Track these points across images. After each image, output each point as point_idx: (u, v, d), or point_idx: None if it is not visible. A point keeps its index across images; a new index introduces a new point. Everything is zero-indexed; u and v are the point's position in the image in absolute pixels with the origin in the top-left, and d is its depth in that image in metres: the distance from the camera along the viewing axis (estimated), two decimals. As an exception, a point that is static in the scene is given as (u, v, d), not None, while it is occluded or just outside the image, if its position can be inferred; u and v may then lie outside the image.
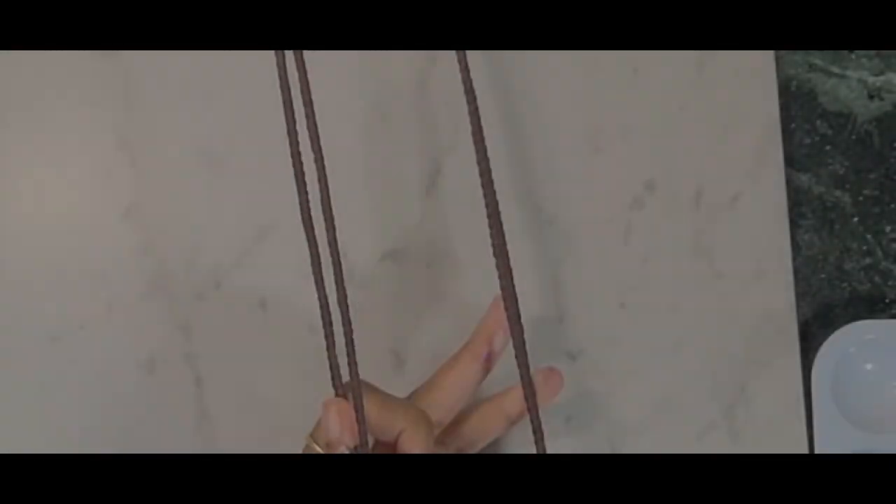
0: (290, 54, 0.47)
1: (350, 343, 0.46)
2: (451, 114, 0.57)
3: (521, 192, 0.57)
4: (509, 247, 0.47)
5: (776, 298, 0.57)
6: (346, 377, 0.47)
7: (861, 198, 0.58)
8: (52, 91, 0.57)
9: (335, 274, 0.46)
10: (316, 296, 0.47)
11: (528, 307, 0.48)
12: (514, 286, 0.47)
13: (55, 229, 0.56)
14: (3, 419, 0.55)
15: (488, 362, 0.50)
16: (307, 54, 0.47)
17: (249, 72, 0.57)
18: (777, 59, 0.58)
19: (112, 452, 0.54)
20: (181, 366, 0.56)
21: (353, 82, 0.57)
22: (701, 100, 0.58)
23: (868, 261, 0.58)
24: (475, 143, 0.47)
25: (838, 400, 0.55)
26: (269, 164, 0.56)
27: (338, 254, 0.46)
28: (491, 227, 0.47)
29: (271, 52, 0.47)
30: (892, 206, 0.58)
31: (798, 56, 0.59)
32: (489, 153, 0.47)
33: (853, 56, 0.59)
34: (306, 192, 0.47)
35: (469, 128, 0.47)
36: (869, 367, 0.56)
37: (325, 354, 0.47)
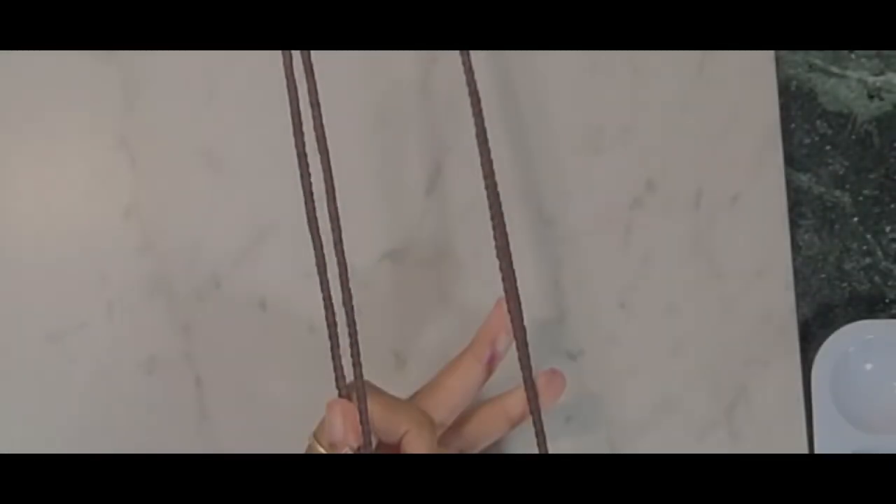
0: (297, 54, 0.47)
1: (354, 343, 0.46)
2: (453, 114, 0.57)
3: (522, 193, 0.57)
4: (510, 247, 0.47)
5: (776, 298, 0.57)
6: (349, 378, 0.47)
7: (861, 198, 0.58)
8: (52, 91, 0.57)
9: (340, 274, 0.46)
10: (316, 296, 0.47)
11: (529, 307, 0.48)
12: (517, 288, 0.47)
13: (55, 229, 0.56)
14: (3, 419, 0.55)
15: (491, 364, 0.50)
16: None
17: (249, 72, 0.57)
18: (777, 59, 0.58)
19: (112, 452, 0.54)
20: (181, 366, 0.56)
21: (353, 82, 0.57)
22: (701, 100, 0.58)
23: (868, 261, 0.58)
24: (479, 143, 0.47)
25: (838, 400, 0.55)
26: (270, 164, 0.56)
27: (343, 254, 0.46)
28: (494, 228, 0.47)
29: (271, 53, 0.47)
30: (892, 206, 0.58)
31: (798, 56, 0.59)
32: (490, 153, 0.47)
33: (853, 56, 0.59)
34: (311, 192, 0.47)
35: (471, 128, 0.47)
36: (869, 367, 0.56)
37: (326, 355, 0.47)
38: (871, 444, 0.54)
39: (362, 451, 0.46)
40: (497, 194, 0.47)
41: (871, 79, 0.59)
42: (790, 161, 0.58)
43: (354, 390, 0.46)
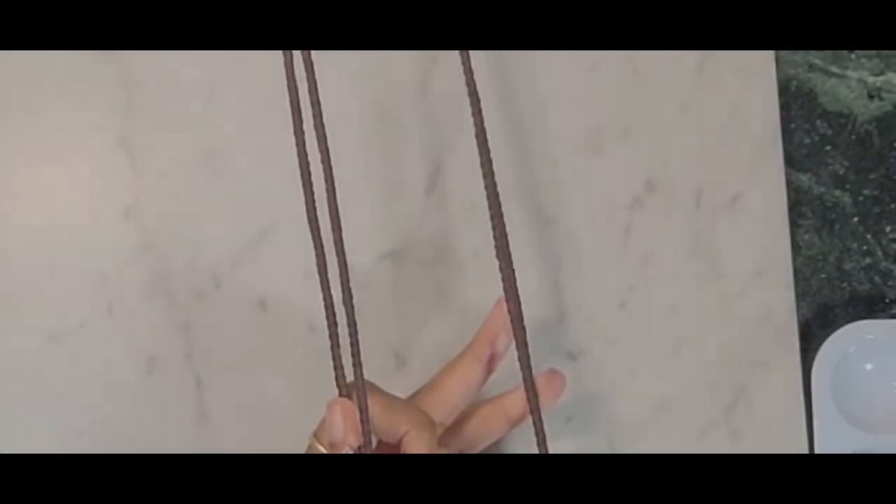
0: (297, 54, 0.47)
1: (354, 343, 0.46)
2: (453, 114, 0.57)
3: (522, 193, 0.57)
4: (509, 247, 0.47)
5: (776, 298, 0.57)
6: (349, 378, 0.47)
7: (861, 198, 0.58)
8: (53, 91, 0.57)
9: (340, 274, 0.46)
10: (316, 296, 0.47)
11: (528, 307, 0.48)
12: (516, 288, 0.47)
13: (55, 229, 0.56)
14: (3, 419, 0.55)
15: (491, 364, 0.50)
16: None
17: (249, 72, 0.57)
18: (777, 59, 0.58)
19: (112, 452, 0.54)
20: (181, 366, 0.56)
21: (353, 82, 0.57)
22: (701, 100, 0.58)
23: (868, 261, 0.58)
24: (479, 143, 0.47)
25: (838, 400, 0.55)
26: (270, 164, 0.56)
27: (343, 254, 0.46)
28: (494, 228, 0.47)
29: (271, 53, 0.47)
30: (892, 206, 0.58)
31: (798, 56, 0.59)
32: (490, 153, 0.47)
33: (853, 56, 0.59)
34: (312, 192, 0.47)
35: (470, 128, 0.47)
36: (869, 367, 0.56)
37: (326, 354, 0.47)
38: (871, 444, 0.54)
39: (362, 451, 0.46)
40: (497, 194, 0.47)
41: (871, 79, 0.59)
42: (790, 161, 0.58)
43: (354, 390, 0.46)
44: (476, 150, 0.47)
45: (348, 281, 0.46)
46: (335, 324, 0.47)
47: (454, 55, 0.48)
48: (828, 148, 0.59)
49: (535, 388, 0.48)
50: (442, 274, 0.56)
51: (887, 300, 0.58)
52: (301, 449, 0.48)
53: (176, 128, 0.57)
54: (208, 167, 0.57)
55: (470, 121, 0.47)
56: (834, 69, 0.59)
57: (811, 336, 0.57)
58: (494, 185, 0.47)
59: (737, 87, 0.58)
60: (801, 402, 0.56)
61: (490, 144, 0.47)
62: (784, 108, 0.58)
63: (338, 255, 0.47)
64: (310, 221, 0.47)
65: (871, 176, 0.59)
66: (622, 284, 0.57)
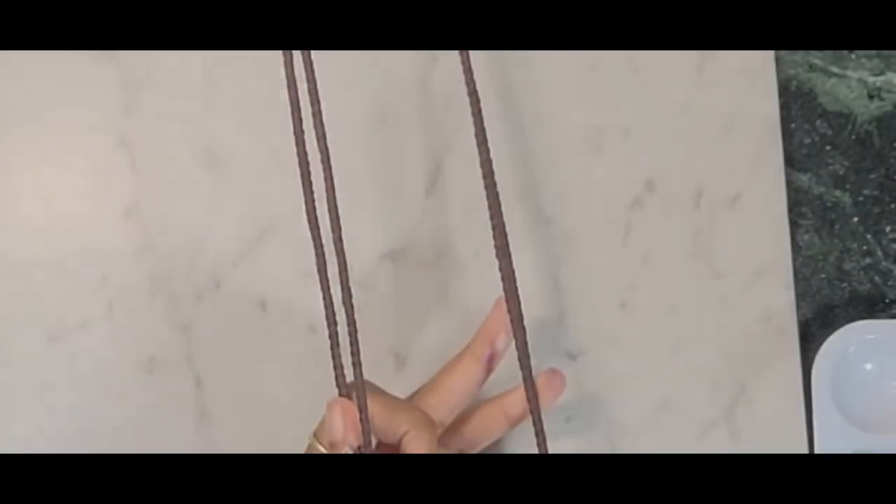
0: (297, 54, 0.47)
1: (355, 343, 0.46)
2: (453, 113, 0.57)
3: (522, 193, 0.57)
4: (509, 247, 0.47)
5: (776, 298, 0.57)
6: (349, 378, 0.47)
7: (861, 198, 0.58)
8: (52, 91, 0.57)
9: (340, 274, 0.46)
10: (316, 296, 0.47)
11: (528, 307, 0.48)
12: (516, 288, 0.47)
13: (55, 229, 0.56)
14: (3, 419, 0.55)
15: (490, 363, 0.50)
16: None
17: (248, 72, 0.57)
18: (777, 59, 0.58)
19: (112, 452, 0.54)
20: (181, 366, 0.56)
21: (353, 82, 0.57)
22: (701, 100, 0.58)
23: (868, 261, 0.58)
24: (478, 143, 0.47)
25: (838, 400, 0.55)
26: (270, 164, 0.56)
27: (343, 254, 0.46)
28: (494, 228, 0.47)
29: (271, 53, 0.47)
30: (892, 206, 0.58)
31: (798, 56, 0.59)
32: (489, 153, 0.47)
33: (853, 56, 0.59)
34: (312, 192, 0.47)
35: (470, 128, 0.47)
36: (869, 367, 0.56)
37: (326, 354, 0.47)
38: (871, 444, 0.54)
39: (362, 451, 0.46)
40: (497, 194, 0.47)
41: (871, 79, 0.59)
42: (790, 161, 0.58)
43: (354, 390, 0.46)
44: (476, 150, 0.47)
45: (348, 281, 0.46)
46: (335, 324, 0.47)
47: (454, 55, 0.48)
48: (828, 148, 0.59)
49: (535, 388, 0.48)
50: (442, 274, 0.56)
51: (887, 300, 0.58)
52: (301, 449, 0.48)
53: (176, 128, 0.57)
54: (208, 167, 0.57)
55: (470, 121, 0.47)
56: (834, 69, 0.59)
57: (811, 336, 0.57)
58: (494, 185, 0.47)
59: (737, 87, 0.58)
60: (801, 402, 0.56)
61: (490, 144, 0.47)
62: (784, 108, 0.58)
63: (338, 255, 0.47)
64: (310, 221, 0.47)
65: (871, 176, 0.59)
66: (622, 284, 0.57)
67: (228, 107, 0.57)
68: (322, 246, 0.47)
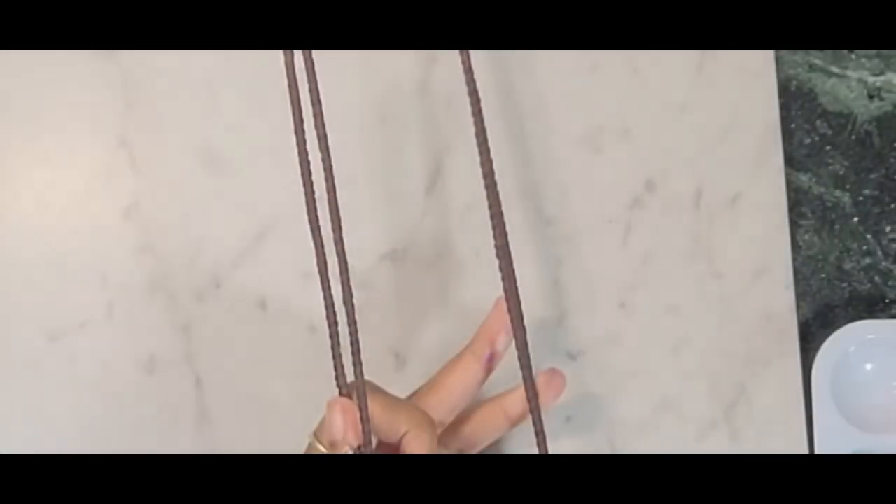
0: (298, 54, 0.47)
1: (355, 343, 0.46)
2: (453, 113, 0.57)
3: (522, 193, 0.57)
4: (509, 247, 0.47)
5: (776, 298, 0.57)
6: (350, 377, 0.47)
7: (861, 198, 0.58)
8: (52, 91, 0.57)
9: (340, 274, 0.46)
10: (316, 296, 0.47)
11: (528, 307, 0.48)
12: (516, 287, 0.47)
13: (55, 229, 0.56)
14: (3, 419, 0.55)
15: (490, 363, 0.50)
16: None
17: (248, 72, 0.57)
18: (777, 59, 0.58)
19: (112, 452, 0.54)
20: (181, 366, 0.56)
21: (353, 81, 0.57)
22: (701, 100, 0.58)
23: (868, 261, 0.58)
24: (478, 143, 0.47)
25: (838, 400, 0.55)
26: (270, 164, 0.56)
27: (343, 254, 0.46)
28: (494, 228, 0.47)
29: (271, 53, 0.47)
30: (892, 206, 0.58)
31: (798, 56, 0.59)
32: (490, 153, 0.47)
33: (853, 56, 0.59)
34: (312, 192, 0.47)
35: (470, 128, 0.47)
36: (869, 367, 0.56)
37: (326, 354, 0.47)
38: (871, 444, 0.54)
39: (362, 451, 0.46)
40: (497, 194, 0.47)
41: (871, 79, 0.59)
42: (790, 161, 0.58)
43: (354, 390, 0.46)
44: (476, 150, 0.47)
45: (348, 281, 0.46)
46: (335, 324, 0.47)
47: (454, 55, 0.48)
48: (828, 148, 0.59)
49: (535, 387, 0.48)
50: (442, 274, 0.56)
51: (887, 300, 0.58)
52: (301, 449, 0.48)
53: (176, 128, 0.57)
54: (208, 167, 0.57)
55: (470, 121, 0.47)
56: (834, 69, 0.59)
57: (811, 336, 0.57)
58: (494, 185, 0.47)
59: (737, 87, 0.58)
60: (801, 403, 0.56)
61: (490, 144, 0.47)
62: (784, 108, 0.58)
63: (338, 255, 0.47)
64: (310, 221, 0.47)
65: (871, 176, 0.59)
66: (622, 284, 0.57)
67: (228, 107, 0.57)
68: (322, 246, 0.47)
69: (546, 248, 0.57)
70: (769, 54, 0.58)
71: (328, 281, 0.47)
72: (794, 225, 0.58)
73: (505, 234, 0.47)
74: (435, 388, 0.50)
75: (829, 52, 0.59)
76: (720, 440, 0.56)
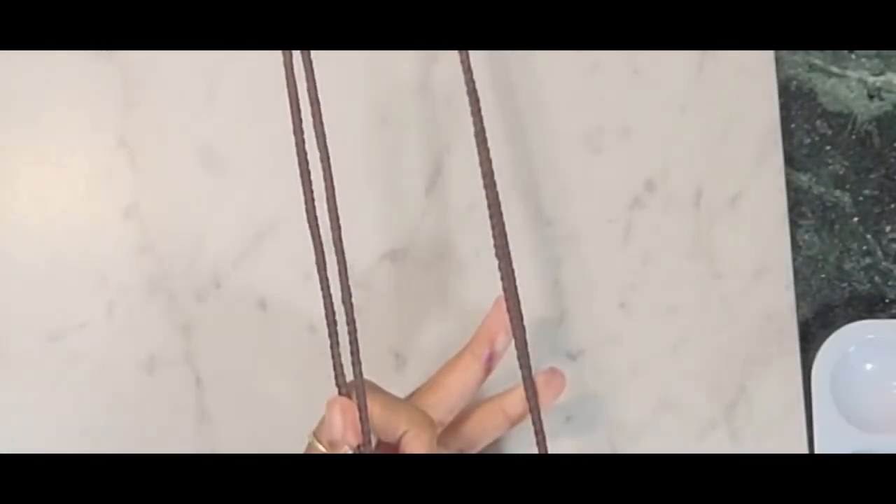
0: (297, 54, 0.47)
1: (354, 343, 0.46)
2: (452, 113, 0.57)
3: (522, 193, 0.57)
4: (509, 247, 0.47)
5: (776, 298, 0.57)
6: (349, 377, 0.47)
7: (861, 198, 0.58)
8: (52, 91, 0.57)
9: (340, 274, 0.46)
10: (316, 296, 0.47)
11: (528, 307, 0.48)
12: (516, 287, 0.47)
13: (55, 229, 0.56)
14: (3, 419, 0.55)
15: (490, 363, 0.50)
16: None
17: (249, 72, 0.57)
18: (777, 59, 0.58)
19: (112, 452, 0.54)
20: (181, 366, 0.56)
21: (353, 81, 0.57)
22: (701, 100, 0.58)
23: (868, 261, 0.58)
24: (478, 143, 0.47)
25: (838, 400, 0.55)
26: (270, 164, 0.56)
27: (343, 254, 0.46)
28: (494, 228, 0.47)
29: (271, 53, 0.47)
30: (892, 206, 0.58)
31: (798, 56, 0.59)
32: (489, 153, 0.47)
33: (853, 56, 0.59)
34: (312, 192, 0.47)
35: (470, 128, 0.47)
36: (869, 367, 0.56)
37: (326, 354, 0.47)
38: (871, 444, 0.54)
39: (362, 451, 0.46)
40: (497, 194, 0.47)
41: (871, 79, 0.59)
42: (790, 161, 0.58)
43: (354, 390, 0.46)
44: (476, 150, 0.47)
45: (348, 281, 0.46)
46: (335, 324, 0.47)
47: (454, 55, 0.48)
48: (828, 148, 0.59)
49: (535, 387, 0.48)
50: (442, 274, 0.56)
51: (887, 300, 0.58)
52: (301, 449, 0.48)
53: (176, 128, 0.57)
54: (208, 167, 0.57)
55: (470, 121, 0.47)
56: (834, 69, 0.59)
57: (811, 336, 0.57)
58: (494, 185, 0.47)
59: (737, 87, 0.58)
60: (801, 402, 0.56)
61: (490, 144, 0.47)
62: (784, 108, 0.58)
63: (338, 255, 0.47)
64: (310, 221, 0.47)
65: (871, 176, 0.59)
66: (622, 284, 0.57)
67: (228, 107, 0.57)
68: (322, 246, 0.47)
69: (546, 248, 0.57)
70: (769, 54, 0.58)
71: (327, 281, 0.47)
72: (794, 225, 0.58)
73: (504, 234, 0.47)
74: (434, 388, 0.50)
75: (829, 52, 0.59)
76: (720, 440, 0.56)
